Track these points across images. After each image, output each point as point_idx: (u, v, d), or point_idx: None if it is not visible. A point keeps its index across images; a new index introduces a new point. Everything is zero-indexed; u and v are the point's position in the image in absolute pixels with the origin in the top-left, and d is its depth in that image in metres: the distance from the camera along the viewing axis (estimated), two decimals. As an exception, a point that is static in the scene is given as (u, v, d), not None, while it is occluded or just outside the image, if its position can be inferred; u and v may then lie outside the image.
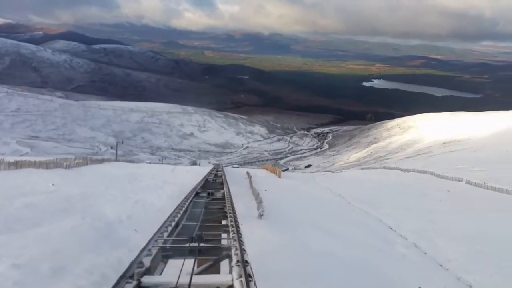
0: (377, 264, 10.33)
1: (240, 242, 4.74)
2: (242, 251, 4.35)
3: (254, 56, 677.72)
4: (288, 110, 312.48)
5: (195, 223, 6.25)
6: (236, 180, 25.15)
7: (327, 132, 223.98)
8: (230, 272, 3.89)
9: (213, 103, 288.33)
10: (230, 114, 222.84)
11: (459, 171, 38.90)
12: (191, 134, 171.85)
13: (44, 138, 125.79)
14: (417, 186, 32.02)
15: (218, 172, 21.04)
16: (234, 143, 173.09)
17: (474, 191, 29.30)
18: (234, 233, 5.28)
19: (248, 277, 3.49)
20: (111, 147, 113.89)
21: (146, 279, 3.62)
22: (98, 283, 6.78)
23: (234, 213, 6.76)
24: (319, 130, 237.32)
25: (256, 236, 10.67)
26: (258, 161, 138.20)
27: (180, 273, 3.51)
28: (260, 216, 13.37)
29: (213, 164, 66.82)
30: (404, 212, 19.45)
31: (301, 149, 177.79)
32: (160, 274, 4.29)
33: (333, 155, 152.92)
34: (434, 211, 20.52)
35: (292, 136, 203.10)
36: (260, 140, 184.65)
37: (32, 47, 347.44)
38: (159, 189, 18.63)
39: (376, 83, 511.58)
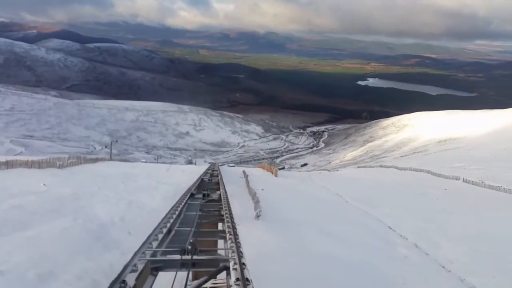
0: (378, 266, 10.04)
1: (240, 254, 4.26)
2: (242, 266, 3.88)
3: (250, 55, 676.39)
4: (284, 109, 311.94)
5: (189, 228, 5.82)
6: (232, 179, 24.82)
7: (323, 131, 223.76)
8: None
9: (208, 102, 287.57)
10: (225, 113, 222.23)
11: (456, 170, 38.80)
12: (187, 133, 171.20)
13: (39, 137, 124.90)
14: (414, 185, 31.85)
15: (214, 172, 20.64)
16: (230, 142, 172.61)
17: (471, 189, 29.14)
18: (232, 241, 4.83)
19: None
20: (105, 146, 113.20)
21: None
22: (88, 290, 6.43)
23: (232, 217, 6.31)
24: (314, 128, 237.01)
25: (253, 237, 10.35)
26: (254, 160, 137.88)
27: None
28: (257, 216, 13.05)
29: (209, 163, 66.43)
30: (403, 211, 19.19)
31: (297, 148, 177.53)
32: None
33: (329, 154, 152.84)
34: (433, 210, 20.29)
35: (288, 135, 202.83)
36: (256, 139, 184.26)
37: (26, 45, 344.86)
38: (153, 189, 18.25)
39: (371, 82, 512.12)
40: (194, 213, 7.15)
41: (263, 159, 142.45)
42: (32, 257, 7.02)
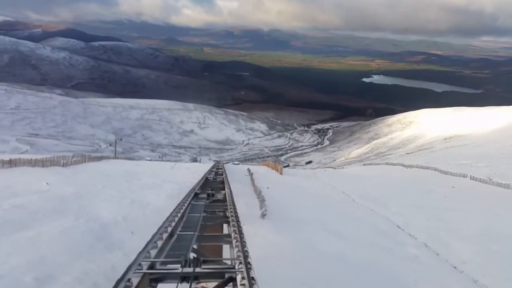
0: (388, 266, 9.74)
1: (248, 266, 3.84)
2: (251, 280, 3.47)
3: (254, 52, 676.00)
4: (288, 107, 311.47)
5: (192, 232, 5.45)
6: (237, 178, 24.55)
7: (328, 128, 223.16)
8: None
9: (213, 100, 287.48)
10: (230, 110, 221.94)
11: (463, 167, 38.32)
12: (191, 131, 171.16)
13: (44, 135, 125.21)
14: (421, 182, 31.42)
15: (219, 170, 20.32)
16: (234, 140, 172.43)
17: (479, 187, 28.70)
18: (239, 249, 4.38)
19: None
20: (110, 145, 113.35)
21: None
22: (88, 293, 6.18)
23: (238, 221, 5.91)
24: (319, 126, 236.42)
25: (259, 237, 10.09)
26: (259, 158, 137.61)
27: None
28: (263, 215, 12.77)
29: (214, 161, 66.30)
30: (411, 209, 18.84)
31: (301, 146, 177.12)
32: None
33: (334, 151, 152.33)
34: (441, 208, 19.93)
35: (292, 133, 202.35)
36: (260, 137, 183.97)
37: (31, 44, 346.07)
38: (157, 188, 18.01)
39: (376, 79, 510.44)
40: (198, 214, 6.79)
41: (267, 157, 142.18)
42: (31, 259, 6.79)
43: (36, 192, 13.32)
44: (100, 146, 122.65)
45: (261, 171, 35.73)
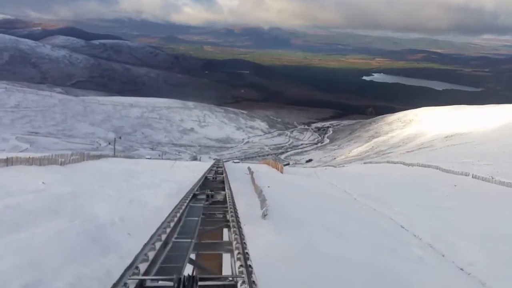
0: (393, 268, 9.44)
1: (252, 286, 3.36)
2: None
3: (254, 50, 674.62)
4: (289, 105, 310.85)
5: (189, 240, 4.98)
6: (237, 176, 24.25)
7: (328, 127, 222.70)
8: None
9: (213, 98, 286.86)
10: (230, 109, 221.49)
11: (465, 165, 38.07)
12: (192, 129, 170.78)
13: (44, 134, 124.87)
14: (422, 181, 31.17)
15: (219, 169, 19.98)
16: (234, 138, 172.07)
17: (481, 185, 28.46)
18: (241, 264, 3.83)
19: None
20: (109, 143, 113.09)
21: None
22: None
23: (239, 226, 5.37)
24: (319, 124, 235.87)
25: (260, 238, 9.80)
26: (259, 156, 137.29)
27: None
28: (264, 216, 12.47)
29: (214, 159, 65.96)
30: (414, 209, 18.55)
31: (301, 144, 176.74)
32: None
33: (334, 150, 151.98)
34: (444, 207, 19.66)
35: (292, 131, 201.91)
36: (260, 135, 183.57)
37: (31, 42, 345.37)
38: (156, 187, 17.69)
39: (377, 77, 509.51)
40: (196, 218, 6.32)
41: (267, 155, 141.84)
42: (21, 263, 6.48)
43: (31, 191, 13.01)
44: (100, 144, 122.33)
45: (262, 170, 35.43)
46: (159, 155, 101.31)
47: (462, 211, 18.71)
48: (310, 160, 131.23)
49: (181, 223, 5.98)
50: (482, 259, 10.71)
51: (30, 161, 21.18)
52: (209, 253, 5.11)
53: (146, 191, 16.29)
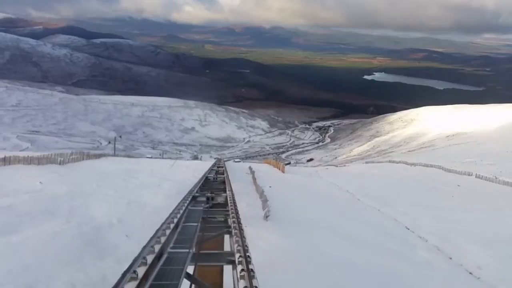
0: (400, 272, 9.10)
1: None
2: None
3: (255, 49, 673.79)
4: (290, 104, 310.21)
5: (187, 250, 4.55)
6: (238, 176, 23.93)
7: (329, 126, 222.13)
8: None
9: (214, 97, 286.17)
10: (231, 108, 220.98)
11: (468, 165, 37.77)
12: (192, 129, 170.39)
13: (45, 132, 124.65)
14: (426, 181, 30.85)
15: (220, 169, 19.55)
16: (235, 137, 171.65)
17: (485, 185, 28.13)
18: (246, 284, 3.37)
19: None
20: (109, 142, 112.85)
21: None
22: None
23: (242, 235, 4.86)
24: (320, 123, 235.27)
25: (262, 241, 9.47)
26: (260, 155, 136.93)
27: None
28: (266, 217, 12.13)
29: (215, 158, 65.61)
30: (418, 209, 18.21)
31: (302, 143, 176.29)
32: None
33: (335, 149, 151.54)
34: (449, 208, 19.31)
35: (293, 130, 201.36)
36: (261, 134, 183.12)
37: (32, 41, 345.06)
38: (156, 187, 17.35)
39: (378, 76, 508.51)
40: (195, 224, 5.92)
41: (268, 154, 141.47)
42: (12, 268, 6.16)
43: (27, 191, 12.68)
44: (101, 143, 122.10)
45: (263, 169, 35.11)
46: (160, 154, 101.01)
47: (468, 212, 18.35)
48: (311, 160, 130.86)
49: (178, 229, 5.57)
50: (491, 262, 10.37)
51: (28, 161, 20.88)
52: (208, 265, 4.64)
53: (145, 191, 15.95)
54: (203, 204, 7.74)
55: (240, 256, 3.98)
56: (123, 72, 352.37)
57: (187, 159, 73.17)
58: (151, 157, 62.97)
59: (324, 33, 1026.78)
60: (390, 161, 54.15)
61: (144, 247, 4.13)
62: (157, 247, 4.19)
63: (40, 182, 14.66)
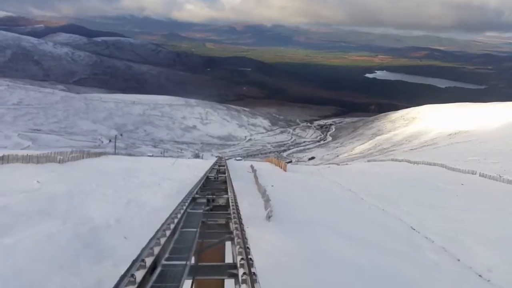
0: (407, 275, 8.80)
1: None
2: None
3: (256, 48, 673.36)
4: (291, 102, 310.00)
5: (184, 262, 4.10)
6: (239, 175, 23.65)
7: (330, 124, 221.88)
8: None
9: (215, 96, 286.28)
10: (232, 106, 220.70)
11: (471, 163, 37.45)
12: (194, 127, 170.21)
13: (46, 131, 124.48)
14: (429, 179, 30.53)
15: (221, 167, 19.20)
16: (236, 136, 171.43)
17: (490, 184, 27.81)
18: None
19: None
20: (110, 140, 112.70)
21: None
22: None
23: (246, 246, 4.32)
24: (322, 122, 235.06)
25: (265, 243, 9.18)
26: (261, 154, 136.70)
27: None
28: (269, 217, 11.84)
29: (216, 157, 65.29)
30: (423, 209, 17.90)
31: (304, 141, 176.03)
32: None
33: (337, 147, 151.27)
34: (454, 207, 19.00)
35: (295, 128, 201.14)
36: (263, 133, 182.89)
37: (33, 40, 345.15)
38: (156, 186, 17.04)
39: (379, 74, 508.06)
40: (194, 229, 5.44)
41: (270, 152, 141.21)
42: (3, 273, 5.87)
43: (24, 191, 12.38)
44: (102, 141, 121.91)
45: (265, 168, 34.80)
46: (161, 153, 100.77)
47: (473, 211, 18.04)
48: (312, 158, 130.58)
49: (175, 236, 5.10)
50: (501, 264, 10.06)
51: (27, 159, 20.59)
52: (207, 278, 4.22)
53: (145, 190, 15.65)
54: (203, 207, 7.30)
55: (245, 273, 3.56)
56: (124, 71, 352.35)
57: (188, 158, 72.92)
58: (152, 156, 62.77)
59: (326, 31, 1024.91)
60: (392, 160, 53.82)
61: (135, 261, 3.62)
62: (148, 262, 3.68)
63: (38, 181, 14.37)
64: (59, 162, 23.16)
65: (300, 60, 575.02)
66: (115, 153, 44.70)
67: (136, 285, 3.17)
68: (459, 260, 10.56)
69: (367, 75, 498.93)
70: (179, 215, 5.78)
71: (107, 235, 8.96)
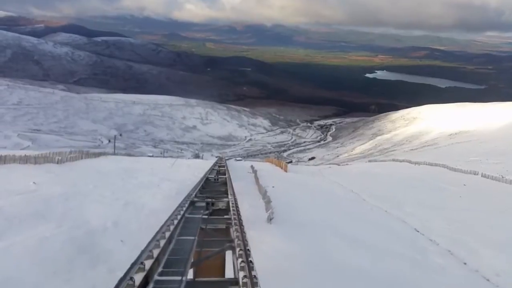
0: (417, 281, 8.49)
1: None
2: None
3: (256, 48, 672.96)
4: (291, 102, 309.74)
5: (179, 277, 3.65)
6: (240, 175, 23.36)
7: (331, 124, 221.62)
8: None
9: (215, 96, 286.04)
10: (232, 106, 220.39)
11: (473, 164, 37.18)
12: (194, 127, 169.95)
13: (46, 131, 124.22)
14: (431, 180, 30.25)
15: (221, 168, 18.89)
16: (237, 136, 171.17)
17: (492, 185, 27.51)
18: None
19: None
20: (109, 141, 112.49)
21: None
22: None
23: (249, 261, 3.84)
24: (322, 122, 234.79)
25: (266, 246, 8.89)
26: (261, 154, 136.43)
27: None
28: (270, 219, 11.54)
29: (216, 157, 64.98)
30: (426, 210, 17.60)
31: (304, 141, 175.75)
32: None
33: (337, 147, 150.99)
34: (458, 209, 18.71)
35: (295, 128, 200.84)
36: (263, 133, 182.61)
37: (33, 40, 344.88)
38: (154, 187, 16.72)
39: (379, 74, 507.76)
40: (192, 237, 4.97)
41: (270, 152, 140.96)
42: (-10, 282, 5.57)
43: (19, 193, 12.08)
44: (102, 142, 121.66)
45: (265, 168, 34.48)
46: (161, 153, 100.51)
47: (477, 213, 17.75)
48: (313, 158, 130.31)
49: (171, 246, 4.62)
50: (509, 268, 9.77)
51: (24, 160, 20.30)
52: None
53: (144, 191, 15.33)
54: (202, 211, 6.90)
55: None
56: (124, 71, 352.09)
57: (188, 158, 72.64)
58: (152, 156, 62.47)
59: (326, 31, 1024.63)
60: (393, 160, 53.55)
61: (122, 279, 3.19)
62: (137, 279, 3.24)
63: (34, 183, 14.08)
64: (57, 163, 22.87)
65: (300, 60, 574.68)
66: (114, 153, 44.40)
67: None
68: (465, 263, 10.27)
69: (367, 75, 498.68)
70: (175, 221, 5.37)
71: (104, 239, 8.67)
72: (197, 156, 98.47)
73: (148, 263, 3.60)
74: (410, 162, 45.68)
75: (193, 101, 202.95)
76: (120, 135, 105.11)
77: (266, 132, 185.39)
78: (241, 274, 3.60)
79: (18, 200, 10.88)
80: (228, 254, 4.89)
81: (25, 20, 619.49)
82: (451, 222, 14.94)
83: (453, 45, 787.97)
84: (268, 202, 13.83)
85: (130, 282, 3.16)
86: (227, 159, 46.21)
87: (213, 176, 13.64)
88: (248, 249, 4.20)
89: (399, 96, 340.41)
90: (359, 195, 21.81)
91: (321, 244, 10.09)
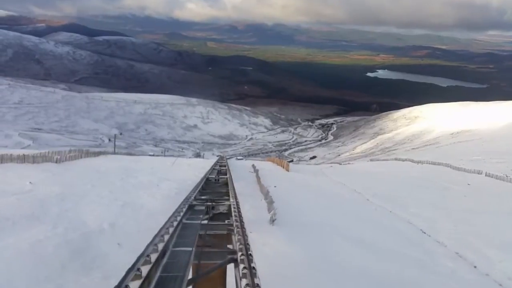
0: (425, 284, 8.14)
1: None
2: None
3: (258, 47, 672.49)
4: (292, 101, 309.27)
5: None
6: (241, 175, 23.02)
7: (332, 123, 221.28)
8: None
9: (216, 95, 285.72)
10: (233, 105, 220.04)
11: (476, 163, 36.80)
12: (195, 126, 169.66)
13: (47, 130, 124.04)
14: (435, 179, 29.87)
15: (222, 168, 18.47)
16: (238, 135, 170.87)
17: (496, 184, 27.14)
18: None
19: None
20: (109, 140, 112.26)
21: None
22: None
23: (255, 284, 3.15)
24: (323, 121, 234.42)
25: (268, 249, 8.55)
26: (263, 153, 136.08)
27: None
28: (272, 221, 11.20)
29: (217, 156, 64.66)
30: (432, 210, 17.23)
31: (305, 141, 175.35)
32: None
33: (338, 146, 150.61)
34: (463, 209, 18.34)
35: (296, 128, 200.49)
36: (264, 132, 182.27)
37: (34, 39, 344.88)
38: (154, 187, 16.35)
39: (381, 73, 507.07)
40: (189, 249, 4.31)
41: (271, 152, 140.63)
42: (-23, 289, 5.24)
43: (15, 193, 11.73)
44: (103, 141, 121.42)
45: (267, 168, 34.11)
46: (162, 152, 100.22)
47: (482, 213, 17.37)
48: (314, 157, 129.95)
49: (165, 260, 3.95)
50: (521, 272, 9.41)
51: (22, 159, 19.97)
52: None
53: (143, 192, 14.96)
54: (201, 216, 6.29)
55: None
56: (125, 70, 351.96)
57: (189, 157, 72.34)
58: (153, 155, 62.15)
59: (327, 30, 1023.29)
60: (396, 159, 53.15)
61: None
62: None
63: (30, 182, 13.73)
64: (56, 162, 22.53)
65: (302, 59, 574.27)
66: (114, 153, 44.07)
67: None
68: (475, 267, 9.92)
69: (369, 74, 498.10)
70: (171, 230, 4.74)
71: (100, 241, 8.32)
72: (198, 155, 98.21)
73: (135, 285, 2.98)
74: (412, 161, 45.29)
75: (194, 100, 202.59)
76: (121, 134, 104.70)
77: (267, 131, 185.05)
78: None
79: (13, 201, 10.54)
80: (230, 265, 4.36)
81: (26, 19, 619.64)
82: (457, 223, 14.57)
83: (454, 44, 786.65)
84: (270, 202, 13.50)
85: None
86: (228, 158, 45.88)
87: (213, 176, 13.25)
88: (253, 267, 3.47)
89: (400, 95, 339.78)
90: (363, 195, 21.44)
91: (326, 246, 9.74)
